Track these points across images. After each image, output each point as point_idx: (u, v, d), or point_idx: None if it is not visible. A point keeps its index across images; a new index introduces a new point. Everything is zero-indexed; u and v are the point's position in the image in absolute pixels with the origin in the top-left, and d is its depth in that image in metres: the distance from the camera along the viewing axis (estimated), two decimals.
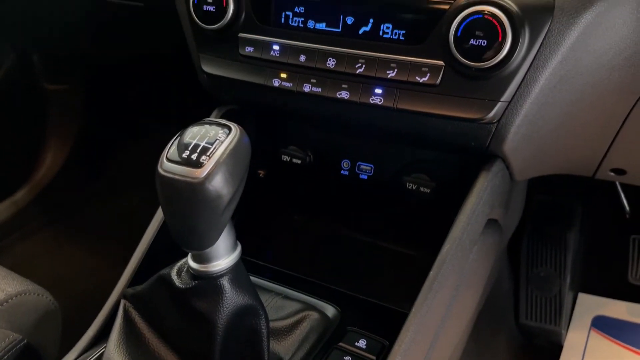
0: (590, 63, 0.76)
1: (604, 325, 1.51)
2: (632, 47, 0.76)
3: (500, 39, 0.70)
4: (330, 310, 0.87)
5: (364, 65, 0.80)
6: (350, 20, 0.80)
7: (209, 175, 0.58)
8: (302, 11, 0.83)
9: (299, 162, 1.04)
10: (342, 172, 1.03)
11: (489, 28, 0.70)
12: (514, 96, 0.75)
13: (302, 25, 0.83)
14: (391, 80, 0.79)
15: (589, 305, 1.55)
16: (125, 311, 0.76)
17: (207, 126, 0.63)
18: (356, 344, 0.79)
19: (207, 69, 0.92)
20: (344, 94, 0.82)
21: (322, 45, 0.82)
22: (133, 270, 0.86)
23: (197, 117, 1.07)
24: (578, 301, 1.56)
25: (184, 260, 0.71)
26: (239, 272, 0.70)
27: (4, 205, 1.73)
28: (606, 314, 1.53)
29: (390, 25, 0.78)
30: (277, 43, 0.85)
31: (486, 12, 0.70)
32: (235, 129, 0.62)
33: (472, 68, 0.73)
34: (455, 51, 0.73)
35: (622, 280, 1.54)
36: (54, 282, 1.06)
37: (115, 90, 1.93)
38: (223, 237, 0.66)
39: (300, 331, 0.80)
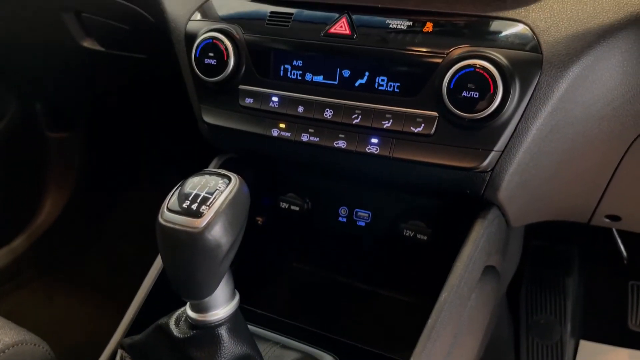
0: (580, 113, 0.79)
1: None
2: (619, 98, 0.78)
3: (491, 91, 0.73)
4: (328, 359, 0.86)
5: (360, 116, 0.82)
6: (346, 73, 0.83)
7: (209, 225, 0.59)
8: (300, 65, 0.85)
9: (297, 209, 1.05)
10: (340, 219, 1.04)
11: (480, 81, 0.73)
12: (506, 146, 0.77)
13: (300, 78, 0.86)
14: (387, 130, 0.81)
15: (591, 353, 1.53)
16: None
17: (207, 176, 0.65)
18: None
19: (208, 119, 0.95)
20: (341, 144, 0.84)
21: (320, 96, 0.85)
22: (130, 320, 0.86)
23: (197, 166, 1.10)
24: (580, 349, 1.54)
25: (182, 309, 0.71)
26: (237, 321, 0.70)
27: (1, 253, 1.73)
28: None
29: (385, 78, 0.81)
30: (276, 95, 0.87)
31: (477, 65, 0.73)
32: (234, 179, 0.64)
33: (465, 119, 0.75)
34: (448, 103, 0.75)
35: (622, 327, 1.53)
36: (50, 331, 1.05)
37: (116, 138, 1.96)
38: (221, 286, 0.66)
39: None
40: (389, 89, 0.81)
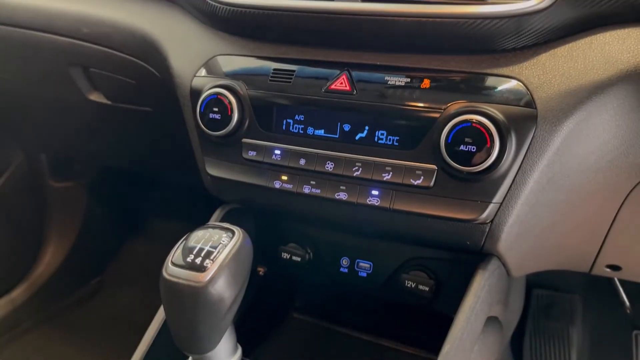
0: (576, 166, 0.80)
1: None
2: (613, 151, 0.80)
3: (488, 145, 0.75)
4: None
5: (360, 169, 0.84)
6: (347, 127, 0.85)
7: (212, 279, 0.60)
8: (302, 119, 0.88)
9: (299, 259, 1.06)
10: (342, 269, 1.04)
11: (477, 135, 0.75)
12: (505, 198, 0.79)
13: (302, 132, 0.88)
14: (387, 182, 0.83)
15: None
16: None
17: (210, 230, 0.66)
18: None
19: (211, 171, 0.97)
20: (342, 195, 0.86)
21: (321, 149, 0.87)
22: None
23: (199, 216, 1.11)
24: None
25: None
26: None
27: (0, 303, 1.72)
28: None
29: (384, 132, 0.83)
30: (278, 148, 0.90)
31: (474, 120, 0.75)
32: (238, 232, 0.65)
33: (464, 172, 0.77)
34: (446, 156, 0.77)
35: None
36: None
37: (119, 187, 1.98)
38: (224, 340, 0.66)
39: None
40: (388, 143, 0.83)
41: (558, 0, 0.73)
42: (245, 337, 0.77)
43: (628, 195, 0.87)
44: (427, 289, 0.95)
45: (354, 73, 0.85)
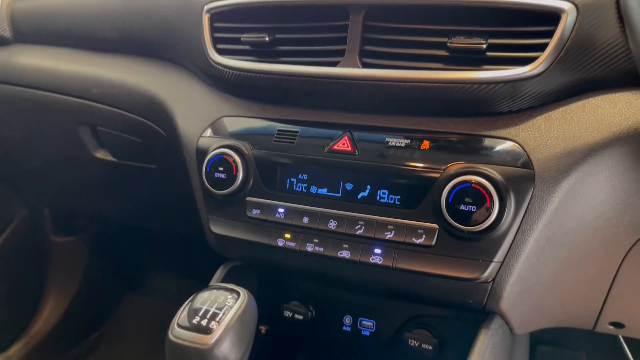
0: (574, 225, 0.82)
1: None
2: (610, 210, 0.82)
3: (488, 205, 0.77)
4: None
5: (363, 227, 0.86)
6: (349, 186, 0.87)
7: (218, 341, 0.60)
8: (306, 178, 0.90)
9: (301, 317, 1.05)
10: (344, 328, 1.04)
11: (477, 195, 0.77)
12: (505, 257, 0.80)
13: (305, 191, 0.90)
14: (389, 241, 0.84)
15: None
16: None
17: (215, 291, 0.67)
18: None
19: (215, 229, 0.98)
20: (345, 254, 0.87)
21: (324, 208, 0.89)
22: None
23: (202, 273, 1.11)
24: None
25: None
26: None
27: None
28: None
29: (386, 191, 0.85)
30: (282, 206, 0.91)
31: (473, 181, 0.77)
32: (243, 294, 0.66)
33: (465, 231, 0.78)
34: (447, 216, 0.79)
35: None
36: None
37: (119, 241, 1.98)
38: None
39: None
40: (390, 202, 0.85)
41: (551, 66, 0.76)
42: None
43: (627, 253, 0.88)
44: (430, 347, 0.95)
45: (355, 134, 0.88)
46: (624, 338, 1.40)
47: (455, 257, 0.81)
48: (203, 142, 0.99)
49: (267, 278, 1.08)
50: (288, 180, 0.91)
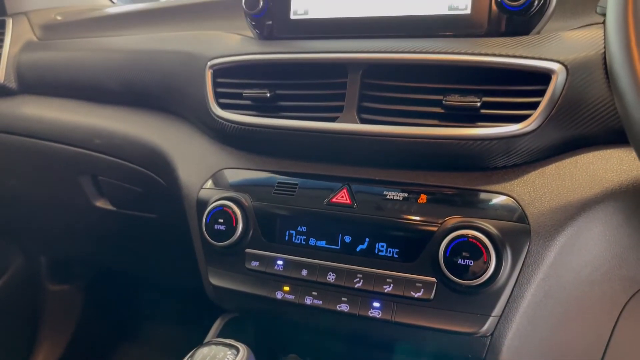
0: (571, 279, 0.83)
1: None
2: (606, 264, 0.83)
3: (485, 260, 0.78)
4: None
5: (362, 280, 0.86)
6: (348, 239, 0.88)
7: None
8: (305, 230, 0.91)
9: None
10: None
11: (474, 250, 0.78)
12: (503, 311, 0.80)
13: (304, 243, 0.91)
14: (388, 294, 0.84)
15: None
16: None
17: (214, 347, 0.67)
18: None
19: (214, 281, 0.98)
20: (344, 307, 0.87)
21: (323, 260, 0.89)
22: None
23: (196, 321, 1.10)
24: None
25: None
26: None
27: None
28: None
29: (384, 244, 0.86)
30: (281, 258, 0.92)
31: (470, 235, 0.78)
32: (242, 350, 0.66)
33: (463, 285, 0.79)
34: (445, 270, 0.79)
35: None
36: None
37: (115, 290, 1.96)
38: None
39: None
40: (388, 255, 0.86)
41: (543, 124, 0.79)
42: None
43: (625, 306, 0.88)
44: None
45: (354, 187, 0.90)
46: None
47: (454, 311, 0.81)
48: (204, 193, 1.00)
49: (265, 329, 1.07)
50: (287, 232, 0.92)
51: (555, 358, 0.95)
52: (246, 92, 0.96)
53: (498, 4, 0.85)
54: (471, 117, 0.82)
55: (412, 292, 0.83)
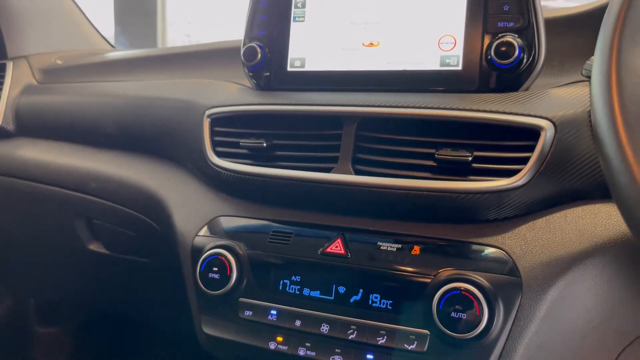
0: (563, 332, 0.83)
1: None
2: (598, 317, 0.83)
3: (477, 313, 0.78)
4: None
5: (355, 332, 0.86)
6: (342, 289, 0.89)
7: None
8: (299, 280, 0.92)
9: None
10: None
11: (467, 303, 0.79)
12: None
13: (298, 293, 0.91)
14: (382, 346, 0.84)
15: None
16: None
17: None
18: None
19: (207, 329, 0.98)
20: (337, 358, 0.87)
21: (317, 311, 0.89)
22: None
23: None
24: None
25: None
26: None
27: None
28: None
29: (378, 296, 0.86)
30: (274, 308, 0.92)
31: (463, 288, 0.79)
32: None
33: (455, 338, 0.79)
34: (438, 322, 0.80)
35: None
36: None
37: (104, 332, 1.93)
38: None
39: None
40: (382, 306, 0.86)
41: (533, 179, 0.81)
42: None
43: (617, 359, 0.88)
44: None
45: (348, 237, 0.91)
46: None
47: None
48: (198, 241, 1.01)
49: None
50: (281, 282, 0.93)
51: None
52: (243, 142, 0.98)
53: (488, 62, 0.88)
54: (463, 170, 0.84)
55: (405, 345, 0.83)
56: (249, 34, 1.06)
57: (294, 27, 1.03)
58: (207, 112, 1.04)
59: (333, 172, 0.91)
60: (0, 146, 1.44)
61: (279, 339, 0.91)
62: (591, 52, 0.64)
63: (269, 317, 0.92)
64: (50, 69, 1.53)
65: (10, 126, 1.44)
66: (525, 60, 0.87)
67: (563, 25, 1.00)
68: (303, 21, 1.02)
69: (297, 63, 1.02)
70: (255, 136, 0.98)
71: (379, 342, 0.84)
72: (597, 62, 0.58)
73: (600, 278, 0.81)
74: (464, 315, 0.79)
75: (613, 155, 0.53)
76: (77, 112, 1.34)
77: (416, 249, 0.86)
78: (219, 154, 1.01)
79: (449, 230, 0.86)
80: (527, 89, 0.89)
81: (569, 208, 0.83)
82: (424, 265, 0.85)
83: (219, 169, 1.00)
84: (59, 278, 1.56)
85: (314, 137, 0.95)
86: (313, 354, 0.88)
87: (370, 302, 0.87)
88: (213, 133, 1.03)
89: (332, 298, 0.89)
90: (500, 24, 0.88)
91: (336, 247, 0.91)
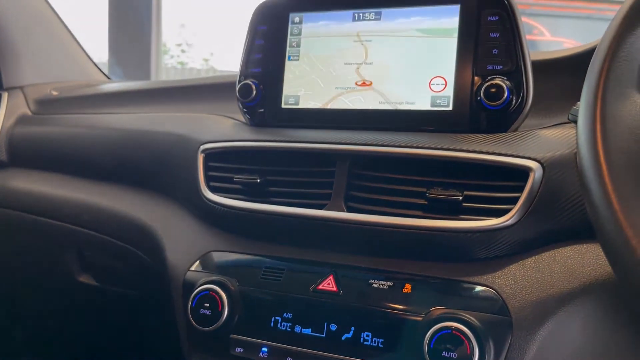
0: None
1: None
2: (589, 357, 0.84)
3: (468, 352, 0.78)
4: None
5: None
6: (333, 327, 0.89)
7: None
8: (290, 317, 0.92)
9: None
10: None
11: (457, 342, 0.79)
12: None
13: (289, 330, 0.91)
14: None
15: None
16: None
17: None
18: None
19: None
20: None
21: (308, 349, 0.89)
22: None
23: None
24: None
25: None
26: None
27: None
28: None
29: (369, 334, 0.86)
30: (265, 345, 0.92)
31: (453, 327, 0.80)
32: None
33: None
34: None
35: None
36: None
37: None
38: None
39: None
40: (373, 344, 0.86)
41: (522, 218, 0.82)
42: None
43: None
44: None
45: (340, 274, 0.91)
46: None
47: None
48: (190, 276, 1.01)
49: None
50: (273, 319, 0.93)
51: None
52: (237, 177, 0.99)
53: (478, 103, 0.90)
54: (454, 209, 0.85)
55: None
56: (244, 71, 1.08)
57: (288, 65, 1.05)
58: (202, 147, 1.05)
59: (326, 209, 0.92)
60: None
61: None
62: (577, 94, 0.66)
63: (260, 354, 0.91)
64: (45, 100, 1.55)
65: (3, 156, 1.44)
66: (514, 101, 0.89)
67: (550, 68, 1.03)
68: (297, 60, 1.04)
69: (291, 100, 1.04)
70: (249, 172, 0.99)
71: None
72: (582, 112, 0.60)
73: (589, 318, 0.82)
74: (455, 355, 0.79)
75: (599, 202, 0.55)
76: (71, 143, 1.35)
77: (408, 287, 0.87)
78: (213, 189, 1.02)
79: (440, 268, 0.87)
80: (515, 130, 0.91)
81: (558, 248, 0.85)
82: (415, 303, 0.85)
83: (212, 204, 1.01)
84: (47, 309, 1.55)
85: (308, 173, 0.96)
86: None
87: (361, 340, 0.87)
88: (207, 168, 1.04)
89: (324, 335, 0.89)
90: (490, 67, 0.91)
91: (328, 284, 0.91)
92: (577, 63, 1.00)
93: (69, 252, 1.32)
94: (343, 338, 0.88)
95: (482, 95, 0.89)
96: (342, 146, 0.93)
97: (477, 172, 0.86)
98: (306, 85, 1.03)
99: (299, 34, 1.05)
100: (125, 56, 2.88)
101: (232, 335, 0.94)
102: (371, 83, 0.99)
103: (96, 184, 1.30)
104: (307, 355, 0.89)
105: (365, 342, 0.87)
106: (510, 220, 0.82)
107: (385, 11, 0.99)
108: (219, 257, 1.01)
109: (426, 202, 0.86)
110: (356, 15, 1.01)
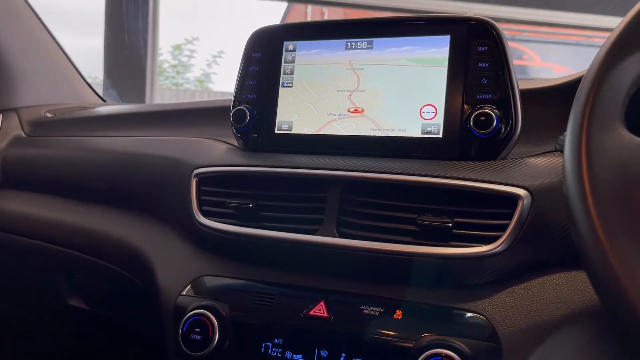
0: None
1: None
2: None
3: None
4: None
5: None
6: (324, 353, 0.89)
7: None
8: (281, 343, 0.91)
9: None
10: None
11: None
12: None
13: (280, 356, 0.91)
14: None
15: None
16: None
17: None
18: None
19: None
20: None
21: None
22: None
23: None
24: None
25: None
26: None
27: None
28: None
29: None
30: None
31: (444, 354, 0.80)
32: None
33: None
34: None
35: None
36: None
37: None
38: None
39: None
40: None
41: (512, 245, 0.83)
42: None
43: None
44: None
45: (331, 300, 0.92)
46: None
47: None
48: (181, 300, 1.00)
49: None
50: (264, 344, 0.92)
51: None
52: (229, 202, 1.00)
53: (467, 131, 0.92)
54: (444, 236, 0.86)
55: None
56: (239, 97, 1.10)
57: (282, 92, 1.07)
58: (195, 172, 1.05)
59: (317, 234, 0.92)
60: None
61: None
62: (565, 123, 0.67)
63: None
64: (40, 122, 1.55)
65: None
66: (503, 130, 0.91)
67: (539, 97, 1.06)
68: (291, 87, 1.06)
69: (285, 126, 1.06)
70: (241, 196, 1.00)
71: None
72: (568, 143, 0.61)
73: (578, 345, 0.82)
74: None
75: (585, 232, 0.56)
76: (64, 165, 1.35)
77: (398, 313, 0.87)
78: (205, 213, 1.03)
79: (431, 295, 0.88)
80: (504, 158, 0.92)
81: (547, 275, 0.85)
82: (406, 329, 0.85)
83: (204, 228, 1.01)
84: (35, 333, 1.53)
85: (300, 199, 0.97)
86: None
87: None
88: (200, 192, 1.05)
89: None
90: (479, 96, 0.93)
91: (319, 310, 0.91)
92: (564, 93, 1.02)
93: (58, 275, 1.31)
94: None
95: (471, 123, 0.91)
96: (335, 172, 0.94)
97: (467, 199, 0.87)
98: (299, 111, 1.05)
99: (293, 61, 1.07)
100: (120, 79, 2.90)
101: None
102: (363, 110, 1.00)
103: (88, 207, 1.30)
104: None
105: None
106: (499, 247, 0.83)
107: (377, 41, 1.01)
108: (210, 281, 1.01)
109: (417, 229, 0.87)
110: (349, 44, 1.03)
